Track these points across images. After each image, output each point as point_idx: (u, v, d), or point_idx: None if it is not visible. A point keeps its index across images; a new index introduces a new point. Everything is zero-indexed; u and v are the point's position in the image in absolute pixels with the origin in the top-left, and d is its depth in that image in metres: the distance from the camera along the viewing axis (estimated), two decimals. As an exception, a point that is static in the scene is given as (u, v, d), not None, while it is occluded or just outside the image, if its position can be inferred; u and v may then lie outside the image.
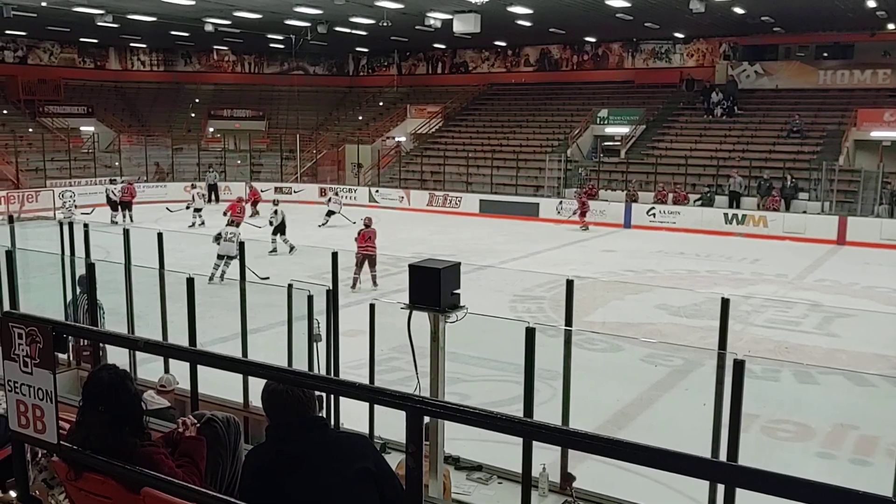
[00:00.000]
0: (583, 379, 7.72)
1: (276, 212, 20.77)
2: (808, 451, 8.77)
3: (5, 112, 36.21)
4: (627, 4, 24.29)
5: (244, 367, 2.42)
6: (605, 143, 33.44)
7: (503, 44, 38.65)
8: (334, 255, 7.06)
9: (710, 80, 33.38)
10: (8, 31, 35.82)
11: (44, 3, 23.61)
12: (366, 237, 16.88)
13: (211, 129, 40.81)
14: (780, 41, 32.48)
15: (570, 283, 5.51)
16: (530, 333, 4.85)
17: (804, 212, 25.33)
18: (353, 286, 16.07)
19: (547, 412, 6.65)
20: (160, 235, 8.12)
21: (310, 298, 6.30)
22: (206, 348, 6.84)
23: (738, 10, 25.57)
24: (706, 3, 22.45)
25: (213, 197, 30.38)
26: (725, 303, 5.18)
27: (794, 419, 9.50)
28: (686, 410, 9.28)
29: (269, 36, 35.05)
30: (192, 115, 41.39)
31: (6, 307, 7.83)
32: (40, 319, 2.63)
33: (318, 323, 6.76)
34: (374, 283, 16.58)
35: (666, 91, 34.46)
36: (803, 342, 12.87)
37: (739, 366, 4.36)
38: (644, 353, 12.06)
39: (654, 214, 26.72)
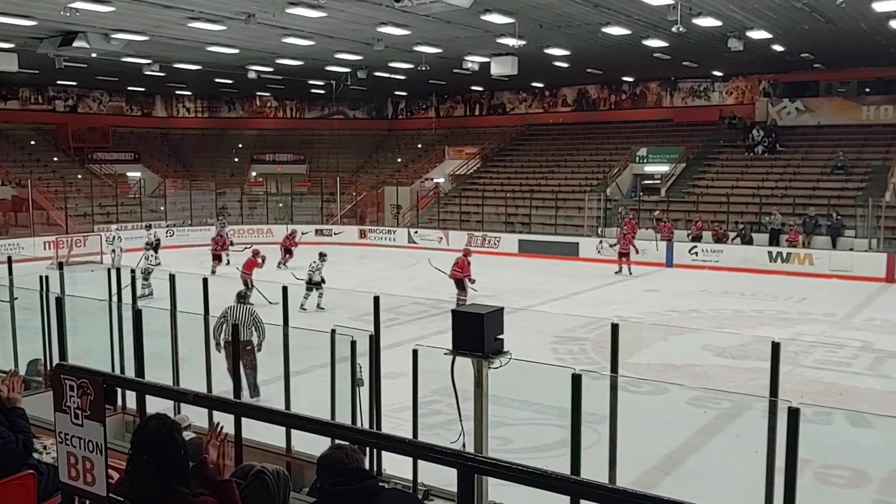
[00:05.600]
0: (627, 422, 7.58)
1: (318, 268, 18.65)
2: (864, 498, 8.46)
3: (55, 159, 37.32)
4: (665, 44, 24.30)
5: (289, 420, 2.41)
6: (645, 182, 33.26)
7: (540, 85, 38.89)
8: (376, 300, 7.07)
9: (751, 118, 33.15)
10: (59, 82, 37.11)
11: (94, 55, 24.39)
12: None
13: (254, 174, 41.54)
14: (820, 77, 32.17)
15: (615, 328, 5.40)
16: (576, 380, 4.73)
17: (851, 249, 24.81)
18: None
19: (592, 458, 6.51)
20: (205, 281, 8.23)
21: (353, 344, 6.30)
22: (249, 390, 6.89)
23: (778, 48, 25.43)
24: (744, 42, 22.37)
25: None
26: (776, 347, 5.03)
27: (849, 464, 9.18)
28: (736, 456, 9.03)
29: (311, 82, 35.75)
30: (236, 159, 42.24)
31: (55, 354, 7.96)
32: (92, 372, 2.65)
33: (361, 367, 6.76)
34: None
35: (705, 129, 34.26)
36: (855, 384, 12.50)
37: (794, 414, 4.21)
38: (690, 396, 11.81)
39: (696, 253, 26.40)
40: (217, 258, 24.70)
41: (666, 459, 9.46)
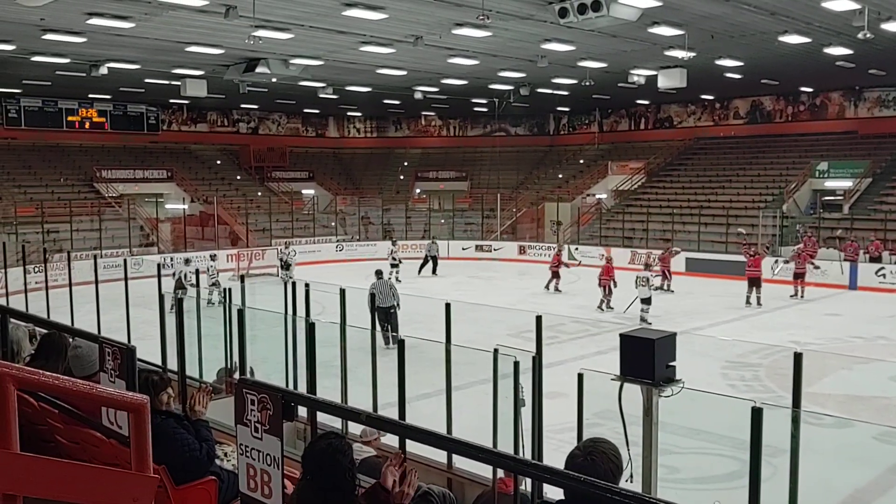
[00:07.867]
0: (808, 456, 7.06)
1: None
2: None
3: (238, 178, 40.04)
4: (849, 52, 22.71)
5: (452, 445, 2.40)
6: (826, 198, 31.19)
7: (710, 97, 37.46)
8: (538, 319, 6.98)
9: (949, 128, 30.35)
10: (243, 105, 39.83)
11: (274, 80, 25.99)
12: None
13: (418, 191, 42.70)
14: None
15: (798, 358, 4.98)
16: (756, 414, 4.37)
17: None
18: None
19: (768, 493, 6.09)
20: (372, 296, 8.48)
21: (516, 364, 6.24)
22: (411, 403, 7.01)
23: (982, 50, 23.13)
24: (943, 45, 20.55)
25: (434, 270, 28.66)
26: None
27: None
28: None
29: (474, 100, 36.31)
30: (401, 177, 43.61)
31: (236, 363, 8.45)
32: (272, 388, 2.77)
33: (522, 388, 6.68)
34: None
35: (895, 141, 31.67)
36: None
37: None
38: (877, 431, 10.87)
39: (883, 275, 24.37)
40: (556, 275, 24.12)
41: (851, 499, 8.75)
